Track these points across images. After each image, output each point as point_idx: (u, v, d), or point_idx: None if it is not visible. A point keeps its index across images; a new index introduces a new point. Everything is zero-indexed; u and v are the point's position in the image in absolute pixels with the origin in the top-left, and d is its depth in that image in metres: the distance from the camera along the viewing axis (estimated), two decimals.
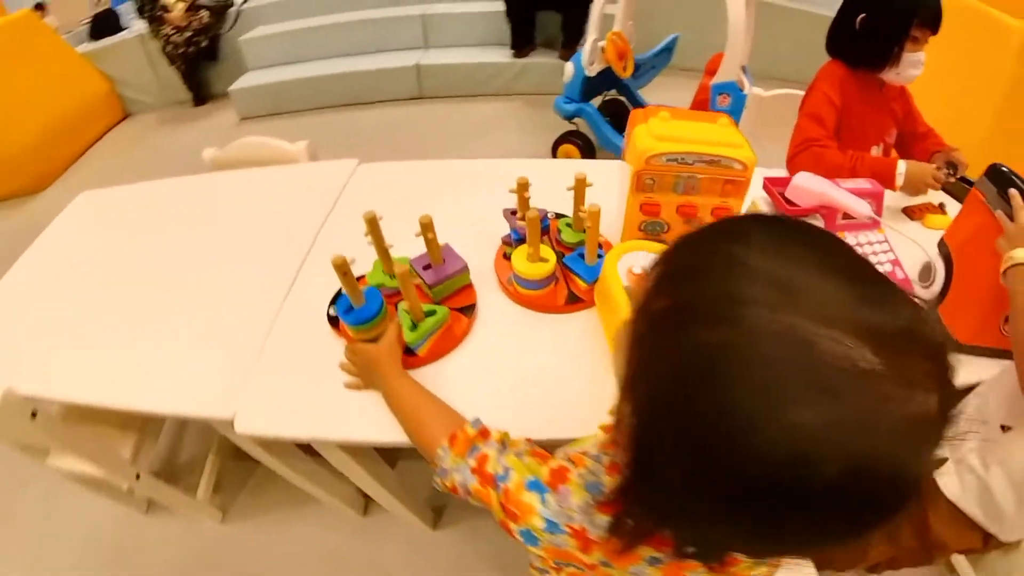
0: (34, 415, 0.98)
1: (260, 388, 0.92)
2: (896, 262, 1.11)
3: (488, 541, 1.49)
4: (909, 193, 1.37)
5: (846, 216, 1.11)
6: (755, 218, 0.44)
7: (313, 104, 3.71)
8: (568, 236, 1.08)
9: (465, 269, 1.02)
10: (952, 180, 1.37)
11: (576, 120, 2.79)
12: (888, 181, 1.28)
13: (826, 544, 0.37)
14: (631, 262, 0.94)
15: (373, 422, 0.86)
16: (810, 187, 1.08)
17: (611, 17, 2.47)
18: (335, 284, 1.02)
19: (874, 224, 1.14)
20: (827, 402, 0.30)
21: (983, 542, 0.98)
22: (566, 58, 3.44)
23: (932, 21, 1.32)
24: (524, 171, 1.04)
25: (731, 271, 0.35)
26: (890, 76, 1.41)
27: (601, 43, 2.48)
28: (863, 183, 1.18)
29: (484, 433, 0.68)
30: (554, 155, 2.93)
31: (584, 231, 1.07)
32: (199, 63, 3.81)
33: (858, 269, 0.35)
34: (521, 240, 1.05)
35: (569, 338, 0.98)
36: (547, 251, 1.00)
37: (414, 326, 0.92)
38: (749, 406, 0.31)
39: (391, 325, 0.90)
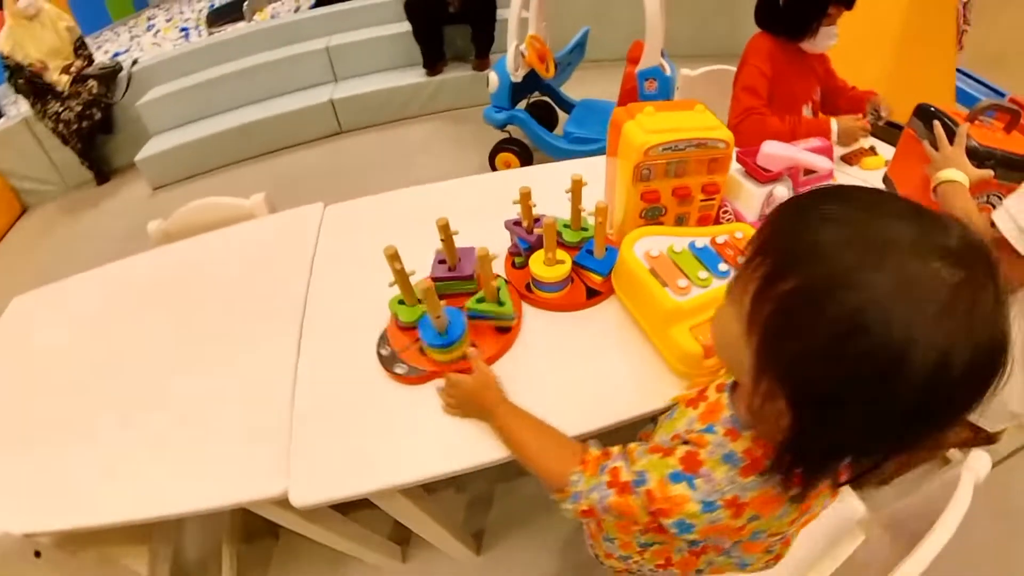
0: (37, 555, 0.87)
1: (303, 454, 0.87)
2: None
3: (531, 552, 1.47)
4: (844, 144, 1.55)
5: (806, 173, 1.22)
6: (825, 194, 0.49)
7: (229, 159, 3.52)
8: (569, 236, 1.11)
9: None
10: (880, 125, 1.55)
11: (508, 127, 2.79)
12: (824, 138, 1.40)
13: (953, 427, 0.45)
14: (647, 247, 0.97)
15: (434, 454, 0.85)
16: (778, 152, 1.15)
17: (525, 21, 2.50)
18: (345, 331, 1.02)
19: (828, 175, 1.26)
20: (948, 312, 0.40)
21: (973, 433, 1.18)
22: (480, 69, 3.49)
23: (847, 1, 1.50)
24: (490, 186, 1.13)
25: (844, 245, 0.43)
26: (807, 46, 1.60)
27: (522, 48, 2.49)
28: (814, 142, 1.29)
29: (605, 452, 0.71)
30: (492, 166, 2.93)
31: (583, 229, 1.10)
32: (95, 138, 3.48)
33: (911, 207, 0.45)
34: (530, 248, 1.07)
35: (598, 330, 1.01)
36: (561, 253, 1.03)
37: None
38: (903, 337, 0.40)
39: (472, 352, 0.90)
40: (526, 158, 2.85)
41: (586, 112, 2.91)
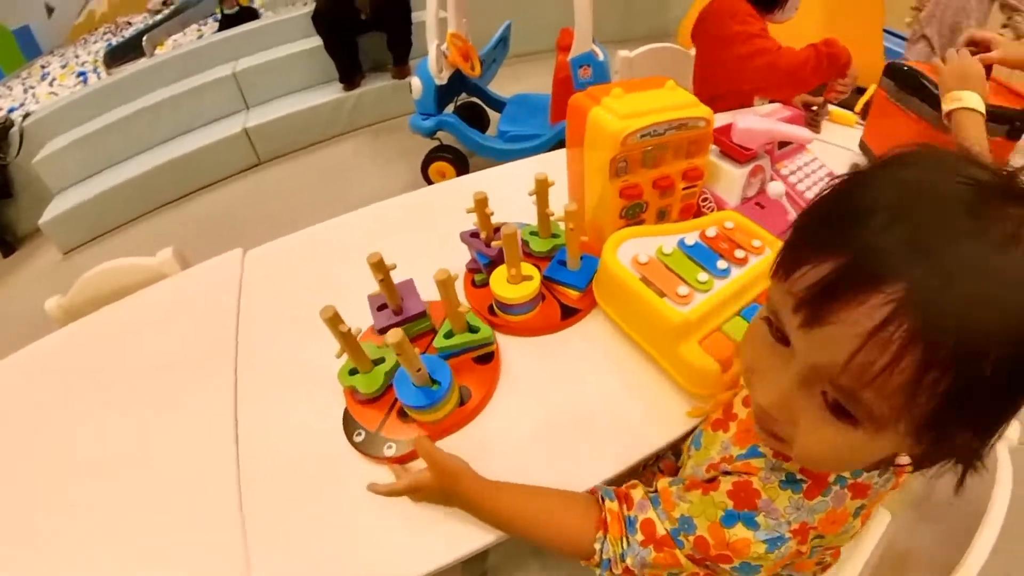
0: None
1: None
2: (831, 174, 1.16)
3: None
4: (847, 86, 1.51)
5: (780, 146, 1.12)
6: (890, 165, 0.41)
7: (143, 208, 3.17)
8: (538, 245, 0.96)
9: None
10: (845, 94, 1.52)
11: (438, 135, 2.63)
12: (844, 66, 1.44)
13: None
14: (634, 251, 0.83)
15: (437, 537, 0.67)
16: (755, 127, 1.04)
17: (444, 20, 2.36)
18: (290, 405, 0.82)
19: (801, 147, 1.18)
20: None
21: None
22: (401, 76, 3.32)
23: None
24: (427, 200, 1.01)
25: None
26: (777, 16, 1.59)
27: (444, 48, 2.34)
28: (784, 112, 1.21)
29: (624, 498, 0.62)
30: (425, 177, 2.76)
31: (553, 236, 0.96)
32: None
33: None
34: (491, 264, 0.91)
35: (582, 353, 0.86)
36: (528, 267, 0.87)
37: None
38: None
39: (418, 440, 0.68)
40: (461, 165, 2.70)
41: (519, 108, 2.79)
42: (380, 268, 0.76)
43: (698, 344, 0.73)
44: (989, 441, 0.39)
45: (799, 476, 0.50)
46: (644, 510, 0.59)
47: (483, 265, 0.92)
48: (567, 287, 0.90)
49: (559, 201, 0.88)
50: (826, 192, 0.42)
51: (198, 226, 3.00)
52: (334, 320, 0.69)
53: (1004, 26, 2.21)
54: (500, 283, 0.85)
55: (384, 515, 0.68)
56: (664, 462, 0.83)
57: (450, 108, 2.73)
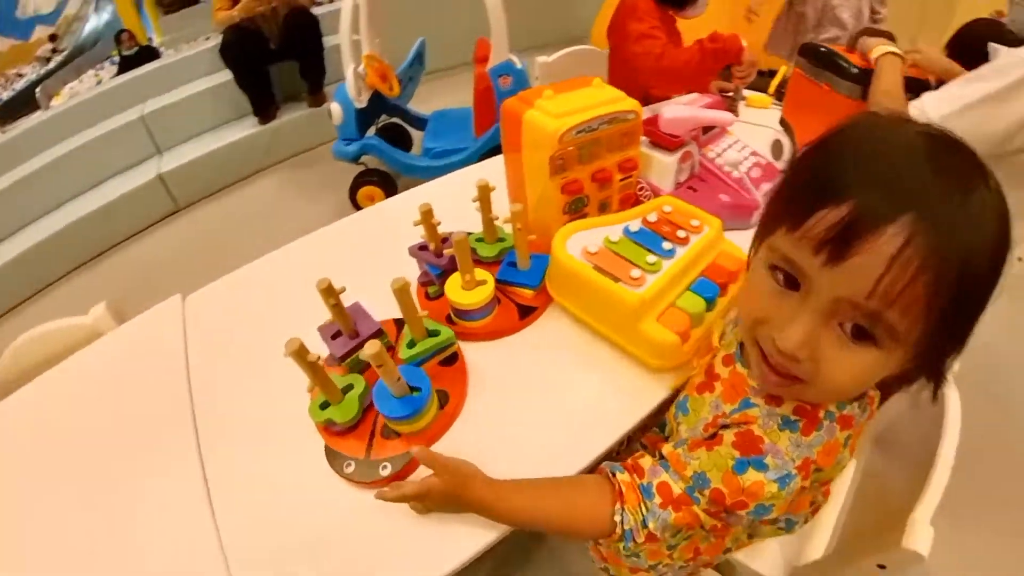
0: None
1: None
2: (755, 152, 1.22)
3: None
4: (747, 74, 1.61)
5: (705, 131, 1.18)
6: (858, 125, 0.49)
7: (63, 269, 2.92)
8: (485, 251, 0.97)
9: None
10: (750, 78, 1.62)
11: (362, 159, 2.61)
12: (736, 54, 1.54)
13: None
14: (583, 243, 0.86)
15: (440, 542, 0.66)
16: (680, 115, 1.09)
17: (358, 43, 2.36)
18: (262, 453, 0.78)
19: (724, 130, 1.24)
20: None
21: None
22: (317, 104, 3.28)
23: None
24: (363, 224, 1.02)
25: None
26: (688, 12, 1.70)
27: (361, 70, 2.33)
28: (705, 99, 1.28)
29: (634, 468, 0.63)
30: (354, 203, 2.73)
31: (500, 240, 0.98)
32: None
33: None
34: (443, 274, 0.92)
35: (546, 348, 0.88)
36: (481, 272, 0.88)
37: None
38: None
39: (418, 450, 0.65)
40: (390, 187, 2.68)
41: (441, 123, 2.80)
42: (330, 293, 0.75)
43: (656, 321, 0.77)
44: (958, 355, 0.48)
45: (793, 417, 0.55)
46: (657, 475, 0.60)
47: (435, 276, 0.93)
48: (521, 287, 0.92)
49: (500, 207, 0.91)
50: (812, 151, 0.49)
51: (127, 279, 2.83)
52: (301, 352, 0.67)
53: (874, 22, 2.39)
54: (455, 290, 0.86)
55: (397, 549, 0.66)
56: (647, 436, 0.86)
57: (372, 131, 2.71)
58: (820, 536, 0.92)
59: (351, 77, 2.33)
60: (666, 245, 0.84)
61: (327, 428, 0.75)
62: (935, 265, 0.41)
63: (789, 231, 0.47)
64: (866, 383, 0.52)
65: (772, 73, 1.67)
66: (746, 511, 0.55)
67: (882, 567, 0.67)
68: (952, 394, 0.76)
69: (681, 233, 0.86)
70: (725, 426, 0.59)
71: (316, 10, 3.22)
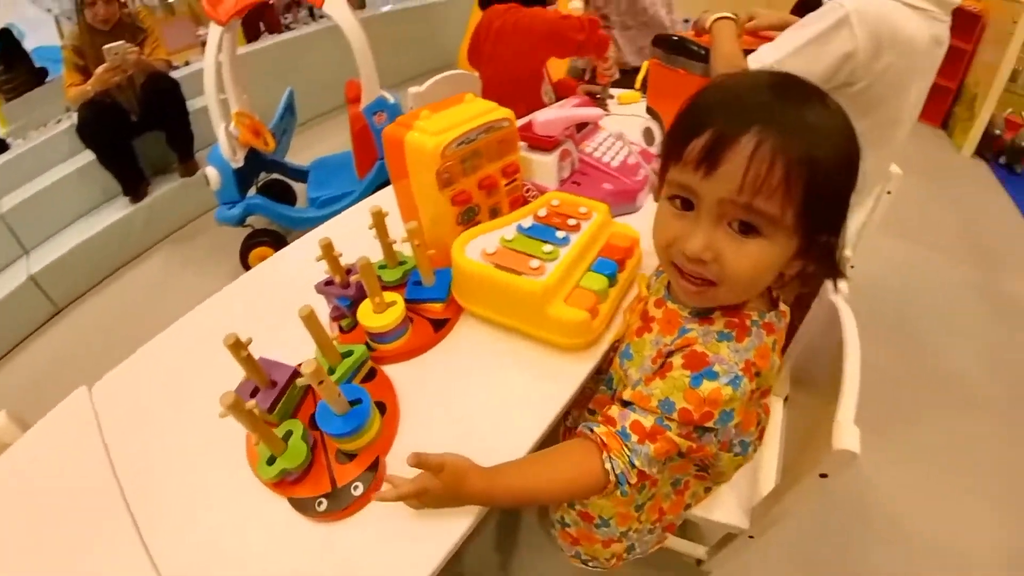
0: None
1: None
2: (629, 142, 1.32)
3: None
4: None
5: (579, 128, 1.26)
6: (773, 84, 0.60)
7: None
8: (389, 275, 0.99)
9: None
10: (614, 75, 1.75)
11: (248, 221, 2.53)
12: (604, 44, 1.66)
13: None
14: (480, 247, 0.90)
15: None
16: (552, 117, 1.16)
17: (225, 102, 2.31)
18: (214, 526, 0.73)
19: (596, 126, 1.33)
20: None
21: None
22: (190, 172, 3.14)
23: None
24: (259, 280, 1.04)
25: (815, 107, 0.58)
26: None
27: (232, 129, 2.28)
28: (573, 101, 1.39)
29: (606, 420, 0.67)
30: (246, 268, 2.61)
31: (401, 263, 1.00)
32: None
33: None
34: (353, 304, 0.93)
35: (464, 356, 0.90)
36: (389, 295, 0.90)
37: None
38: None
39: (419, 459, 0.64)
40: (281, 245, 2.57)
41: (323, 172, 2.77)
42: (239, 347, 0.74)
43: (564, 303, 0.82)
44: (840, 242, 0.60)
45: (727, 330, 0.64)
46: (626, 418, 0.65)
47: (346, 308, 0.94)
48: (430, 302, 0.94)
49: (396, 232, 0.93)
50: (684, 108, 0.61)
51: (19, 390, 2.50)
52: (237, 405, 0.65)
53: None
54: (368, 316, 0.87)
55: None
56: (596, 400, 0.89)
57: (253, 190, 2.65)
58: (766, 472, 1.02)
59: (223, 137, 2.27)
60: (559, 234, 0.89)
61: (282, 481, 0.72)
62: (783, 158, 0.53)
63: (675, 163, 0.60)
64: (765, 270, 0.60)
65: (637, 70, 1.79)
66: (713, 420, 0.61)
67: (824, 476, 0.73)
68: (847, 316, 0.87)
69: (572, 221, 0.92)
70: (670, 353, 0.66)
71: (174, 74, 3.09)
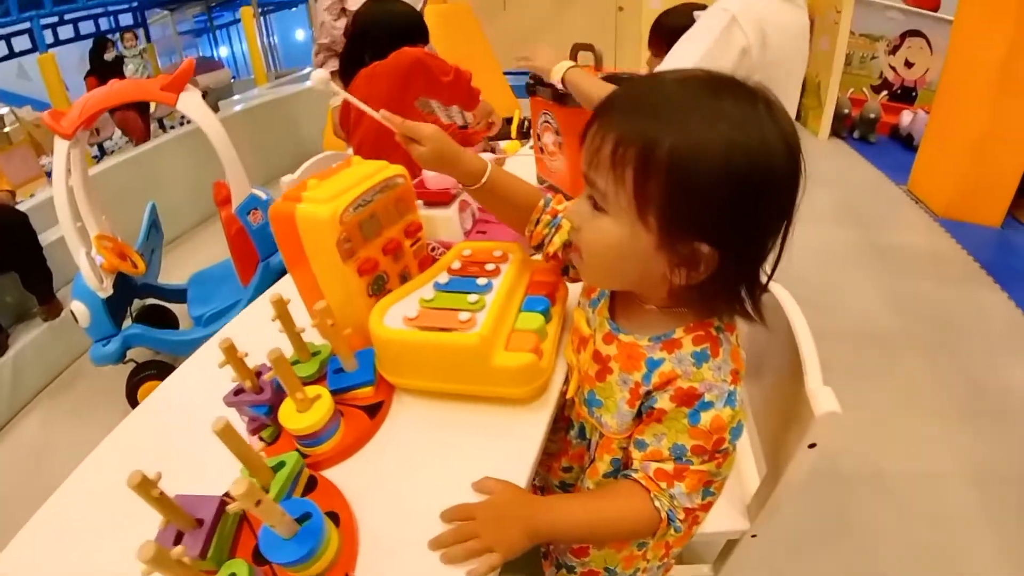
0: None
1: None
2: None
3: None
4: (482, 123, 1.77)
5: None
6: (643, 83, 0.68)
7: None
8: (305, 370, 0.87)
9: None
10: (498, 125, 1.77)
11: (128, 355, 2.30)
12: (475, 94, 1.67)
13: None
14: (399, 314, 0.82)
15: None
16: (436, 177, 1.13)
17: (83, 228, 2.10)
18: None
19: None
20: (772, 120, 0.55)
21: None
22: (54, 313, 2.83)
23: (423, 36, 1.70)
24: (149, 416, 0.89)
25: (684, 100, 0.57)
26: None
27: (95, 255, 2.08)
28: None
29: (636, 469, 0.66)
30: (134, 403, 2.36)
31: (315, 354, 0.88)
32: None
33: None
34: (271, 410, 0.80)
35: (409, 437, 0.79)
36: (313, 388, 0.78)
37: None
38: (762, 139, 0.54)
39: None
40: (170, 374, 2.37)
41: (202, 286, 2.55)
42: (147, 485, 0.60)
43: (505, 350, 0.75)
44: (741, 262, 0.58)
45: (699, 348, 0.62)
46: (648, 468, 0.64)
47: (264, 416, 0.81)
48: (358, 388, 0.83)
49: (302, 322, 0.84)
50: None
51: None
52: (161, 558, 0.51)
53: None
54: (291, 417, 0.75)
55: None
56: (572, 454, 0.84)
57: (128, 321, 2.42)
58: (747, 467, 1.04)
59: (86, 266, 2.05)
60: (480, 282, 0.83)
61: None
62: (615, 133, 0.56)
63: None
64: (611, 250, 0.60)
65: (510, 120, 1.80)
66: (726, 443, 0.62)
67: (813, 445, 0.74)
68: (781, 293, 0.90)
69: (490, 266, 0.86)
70: (648, 393, 0.64)
71: (20, 206, 2.81)
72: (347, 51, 1.78)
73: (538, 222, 0.86)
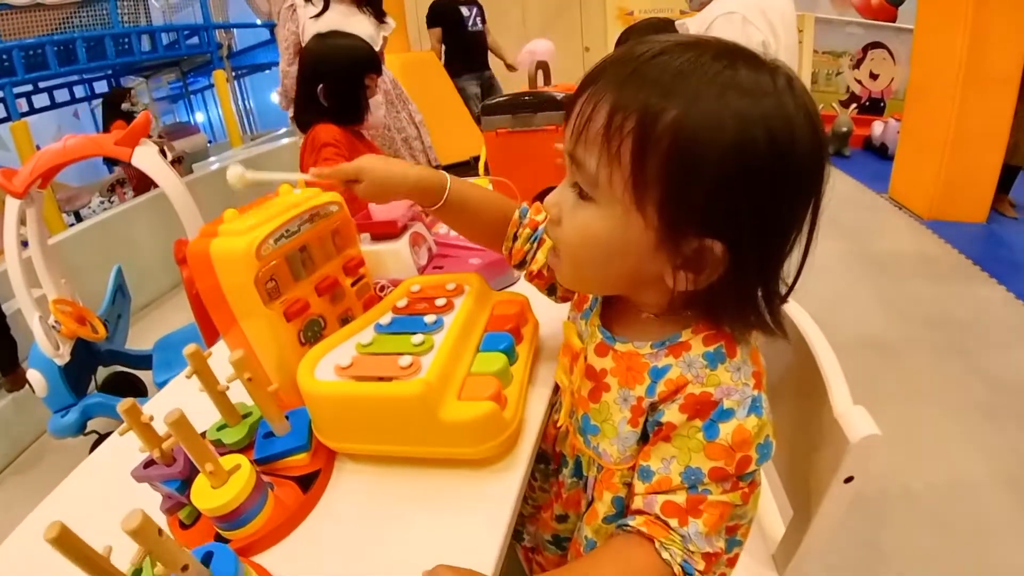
0: None
1: None
2: None
3: None
4: None
5: (426, 213, 1.10)
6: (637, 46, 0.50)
7: None
8: (232, 437, 0.73)
9: None
10: None
11: (89, 426, 2.16)
12: None
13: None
14: (331, 363, 0.69)
15: None
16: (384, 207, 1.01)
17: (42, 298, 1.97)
18: None
19: None
20: (788, 95, 0.47)
21: None
22: (17, 385, 2.64)
23: (376, 66, 1.63)
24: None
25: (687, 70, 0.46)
26: (369, 122, 1.67)
27: (52, 321, 1.94)
28: None
29: (636, 512, 0.53)
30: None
31: (246, 416, 0.75)
32: None
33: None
34: (186, 482, 0.65)
35: (357, 511, 0.65)
36: (231, 458, 0.64)
37: None
38: (783, 117, 0.46)
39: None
40: None
41: (167, 352, 2.39)
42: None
43: (457, 400, 0.62)
44: (755, 263, 0.49)
45: (712, 348, 0.53)
46: (654, 504, 0.52)
47: (177, 491, 0.66)
48: (290, 455, 0.69)
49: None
50: None
51: None
52: None
53: None
54: (204, 495, 0.61)
55: None
56: (567, 499, 0.70)
57: (92, 389, 2.28)
58: (766, 508, 0.92)
59: (41, 332, 1.90)
60: (429, 319, 0.71)
61: None
62: (610, 104, 0.46)
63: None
64: (590, 241, 0.52)
65: (478, 158, 1.73)
66: (753, 463, 0.50)
67: (849, 479, 0.63)
68: (796, 311, 0.78)
69: (440, 301, 0.74)
70: (653, 406, 0.54)
71: None
72: (299, 92, 1.70)
73: (516, 237, 0.76)
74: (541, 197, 0.79)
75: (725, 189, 0.45)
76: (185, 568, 0.46)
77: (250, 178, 0.75)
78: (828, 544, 1.35)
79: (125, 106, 5.51)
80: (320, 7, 2.45)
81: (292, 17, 2.48)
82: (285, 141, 5.63)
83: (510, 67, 4.35)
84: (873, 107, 5.04)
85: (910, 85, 3.65)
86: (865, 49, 4.94)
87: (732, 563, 0.56)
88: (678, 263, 0.49)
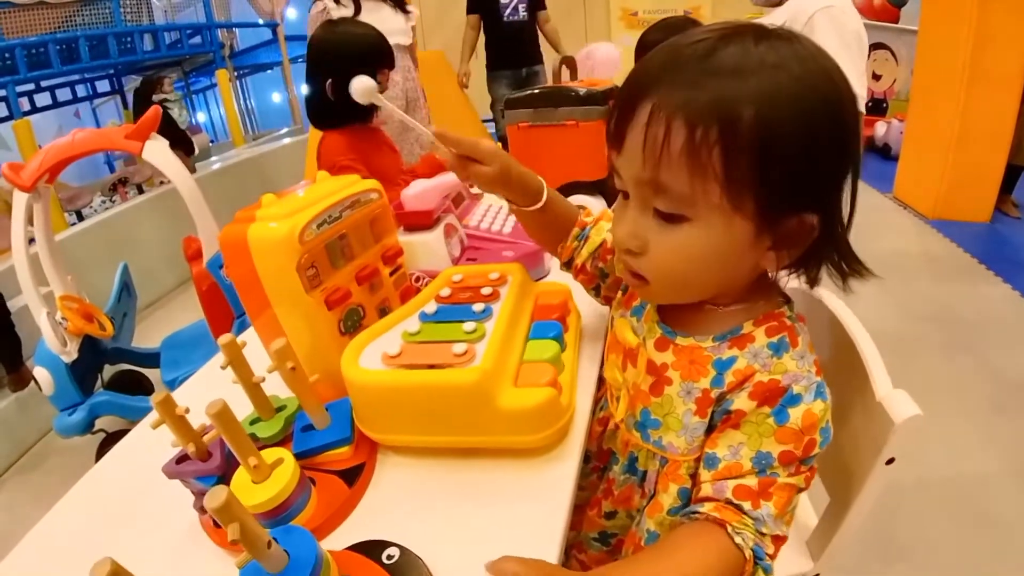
0: None
1: None
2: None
3: None
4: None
5: (456, 204, 1.11)
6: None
7: None
8: (267, 431, 0.70)
9: None
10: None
11: (96, 425, 2.12)
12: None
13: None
14: (378, 352, 0.67)
15: None
16: (422, 192, 1.00)
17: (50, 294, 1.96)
18: None
19: (474, 199, 1.23)
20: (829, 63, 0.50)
21: None
22: (22, 384, 2.65)
23: (388, 61, 1.56)
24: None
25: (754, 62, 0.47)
26: (377, 121, 1.62)
27: (59, 317, 1.91)
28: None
29: (704, 499, 0.53)
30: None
31: (279, 410, 0.72)
32: None
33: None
34: (222, 479, 0.63)
35: (401, 515, 0.62)
36: (272, 452, 0.62)
37: None
38: (834, 84, 0.49)
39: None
40: None
41: (175, 349, 2.38)
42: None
43: (514, 387, 0.60)
44: (837, 220, 0.51)
45: (775, 339, 0.54)
46: (724, 490, 0.52)
47: (214, 486, 0.64)
48: (332, 448, 0.67)
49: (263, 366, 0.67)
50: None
51: None
52: None
53: None
54: (246, 490, 0.58)
55: None
56: (619, 495, 0.68)
57: (99, 386, 2.25)
58: (800, 503, 0.85)
59: (48, 328, 1.88)
60: (477, 308, 0.69)
61: None
62: (684, 118, 0.45)
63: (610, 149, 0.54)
64: (693, 259, 0.51)
65: None
66: (817, 447, 0.52)
67: (891, 461, 0.65)
68: (825, 295, 0.81)
69: (486, 290, 0.73)
70: (721, 396, 0.54)
71: None
72: (308, 86, 1.64)
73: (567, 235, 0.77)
74: (563, 191, 0.79)
75: (807, 160, 0.46)
76: (269, 545, 0.44)
77: (376, 99, 0.77)
78: (861, 532, 1.37)
79: (157, 97, 5.48)
80: (352, 8, 2.42)
81: (324, 19, 2.43)
82: (287, 141, 5.62)
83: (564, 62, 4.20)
84: (876, 108, 5.03)
85: (914, 85, 3.67)
86: (868, 50, 4.97)
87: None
88: (777, 245, 0.50)
